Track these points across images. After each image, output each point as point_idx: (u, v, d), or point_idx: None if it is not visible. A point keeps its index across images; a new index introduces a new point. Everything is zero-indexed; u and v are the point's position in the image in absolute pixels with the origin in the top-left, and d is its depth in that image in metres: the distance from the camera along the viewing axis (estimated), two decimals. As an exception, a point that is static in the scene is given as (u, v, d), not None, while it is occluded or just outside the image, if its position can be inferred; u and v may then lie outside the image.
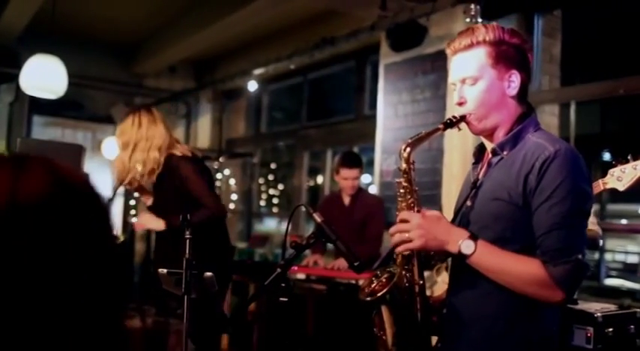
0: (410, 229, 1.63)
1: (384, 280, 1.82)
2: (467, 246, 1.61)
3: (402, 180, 1.73)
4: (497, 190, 1.67)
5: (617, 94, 3.96)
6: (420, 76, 4.64)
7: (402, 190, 1.73)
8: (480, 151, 1.87)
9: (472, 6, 3.73)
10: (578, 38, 4.99)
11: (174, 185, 3.25)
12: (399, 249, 1.68)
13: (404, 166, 1.72)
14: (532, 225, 1.61)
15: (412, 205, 1.71)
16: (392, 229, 1.67)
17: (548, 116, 4.45)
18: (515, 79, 1.71)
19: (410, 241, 1.63)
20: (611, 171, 2.24)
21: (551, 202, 1.56)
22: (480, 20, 3.73)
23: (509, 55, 1.70)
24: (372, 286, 1.84)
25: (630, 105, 5.56)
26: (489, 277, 1.62)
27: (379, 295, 1.75)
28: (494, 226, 1.66)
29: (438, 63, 4.51)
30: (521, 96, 1.74)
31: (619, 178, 2.21)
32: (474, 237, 1.62)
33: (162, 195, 3.35)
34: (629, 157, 2.20)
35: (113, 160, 3.52)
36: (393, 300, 1.74)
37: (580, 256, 1.56)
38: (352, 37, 4.79)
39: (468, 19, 3.78)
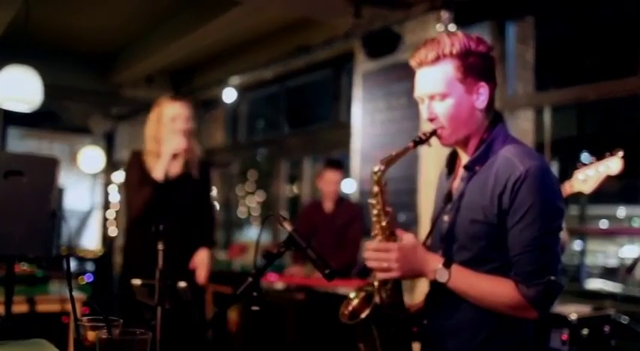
0: (388, 260, 1.66)
1: (361, 299, 1.83)
2: (441, 274, 1.66)
3: (374, 202, 1.73)
4: (473, 211, 1.67)
5: (588, 100, 4.01)
6: (396, 83, 4.67)
7: (375, 212, 1.74)
8: (451, 159, 1.87)
9: (444, 13, 3.76)
10: (551, 44, 5.04)
11: (199, 192, 3.28)
12: (379, 276, 1.72)
13: (376, 189, 1.72)
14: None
15: (386, 228, 1.72)
16: (369, 255, 1.70)
17: (523, 121, 4.49)
18: (483, 92, 1.69)
19: (388, 270, 1.67)
20: (576, 173, 2.24)
21: (523, 224, 1.59)
22: (452, 27, 3.76)
23: (477, 67, 1.68)
24: (352, 306, 1.83)
25: (608, 107, 5.61)
26: (466, 299, 1.67)
27: (361, 317, 1.76)
28: (472, 246, 1.68)
29: (413, 70, 4.53)
30: (489, 106, 1.74)
31: (584, 180, 2.22)
32: (447, 264, 1.66)
33: (183, 197, 3.28)
34: (591, 160, 2.22)
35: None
36: (373, 317, 1.75)
37: (552, 278, 1.58)
38: (327, 45, 4.81)
39: (440, 26, 3.81)
